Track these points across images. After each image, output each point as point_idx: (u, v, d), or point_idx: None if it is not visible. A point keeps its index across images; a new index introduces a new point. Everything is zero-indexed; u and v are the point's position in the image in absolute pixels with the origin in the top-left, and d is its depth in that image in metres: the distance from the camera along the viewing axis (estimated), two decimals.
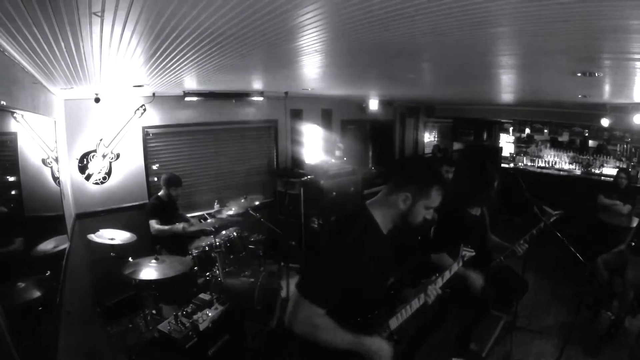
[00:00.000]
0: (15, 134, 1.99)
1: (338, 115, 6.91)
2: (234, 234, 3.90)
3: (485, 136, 8.90)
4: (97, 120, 4.09)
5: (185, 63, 2.26)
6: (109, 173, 4.26)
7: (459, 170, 3.75)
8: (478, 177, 2.63)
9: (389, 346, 1.48)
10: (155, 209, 3.88)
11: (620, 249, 3.72)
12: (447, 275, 1.71)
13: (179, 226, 3.82)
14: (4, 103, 1.58)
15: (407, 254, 2.65)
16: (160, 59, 2.10)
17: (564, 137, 7.44)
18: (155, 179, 4.49)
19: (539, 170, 7.38)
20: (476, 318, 3.02)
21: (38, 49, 1.67)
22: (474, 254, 1.80)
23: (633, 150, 6.52)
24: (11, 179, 1.96)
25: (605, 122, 5.37)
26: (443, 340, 3.16)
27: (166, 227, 3.79)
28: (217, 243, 3.54)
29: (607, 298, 3.73)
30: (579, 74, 2.44)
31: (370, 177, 6.36)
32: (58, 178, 2.95)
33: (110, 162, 4.26)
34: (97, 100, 3.76)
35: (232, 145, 5.41)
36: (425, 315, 2.84)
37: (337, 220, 1.69)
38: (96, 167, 4.16)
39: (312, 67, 2.70)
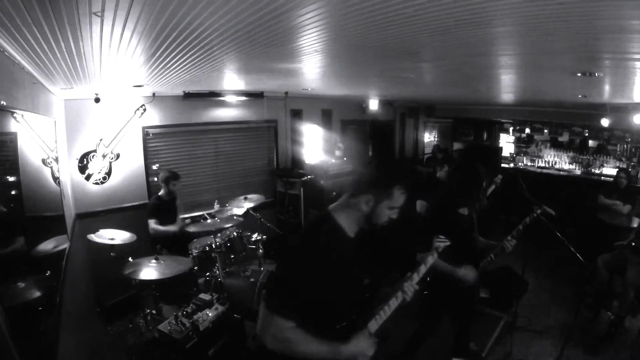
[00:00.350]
0: (15, 134, 1.99)
1: (338, 115, 6.91)
2: (234, 234, 3.90)
3: (485, 136, 8.90)
4: (97, 120, 4.09)
5: (185, 63, 2.26)
6: (109, 173, 4.26)
7: (452, 171, 3.74)
8: (467, 177, 2.62)
9: (369, 343, 1.45)
10: (155, 208, 3.89)
11: (621, 243, 3.71)
12: (422, 269, 1.66)
13: (172, 228, 3.86)
14: (4, 103, 1.58)
15: (395, 255, 2.61)
16: (160, 59, 2.11)
17: (564, 137, 7.45)
18: (155, 179, 4.49)
19: (539, 170, 7.38)
20: (466, 316, 3.01)
21: (38, 49, 1.68)
22: (448, 243, 1.74)
23: (633, 150, 6.52)
24: (11, 179, 1.96)
25: (605, 122, 5.37)
26: (442, 341, 3.15)
27: (161, 228, 3.81)
28: (217, 243, 3.54)
29: (607, 298, 3.73)
30: (579, 74, 2.44)
31: None
32: (58, 178, 2.95)
33: (110, 162, 4.26)
34: (97, 100, 3.76)
35: (232, 145, 5.41)
36: (419, 318, 2.85)
37: (301, 230, 1.68)
38: (96, 167, 4.16)
39: (312, 67, 2.70)
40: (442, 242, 1.74)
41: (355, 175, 1.58)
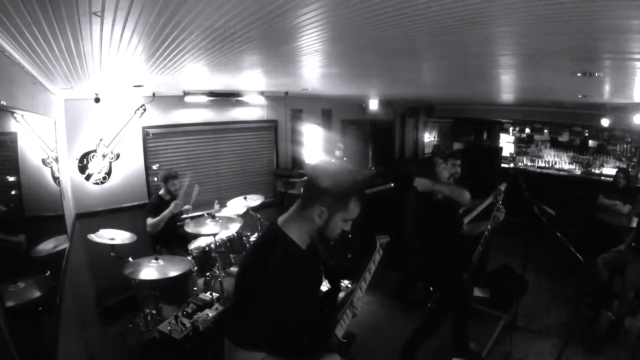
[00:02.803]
0: (15, 134, 1.99)
1: (338, 115, 6.92)
2: (234, 234, 3.89)
3: (485, 136, 8.90)
4: (97, 120, 4.09)
5: (185, 63, 2.26)
6: (109, 173, 4.26)
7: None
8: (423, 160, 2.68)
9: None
10: (154, 207, 3.87)
11: (619, 248, 3.72)
12: (364, 285, 1.60)
13: (167, 211, 3.76)
14: (4, 103, 1.58)
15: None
16: (160, 59, 2.11)
17: (564, 137, 7.44)
18: (155, 179, 4.49)
19: (539, 170, 7.38)
20: (463, 315, 3.01)
21: (38, 49, 1.68)
22: (389, 239, 1.71)
23: (633, 150, 6.52)
24: (11, 179, 1.96)
25: (605, 122, 5.38)
26: (442, 341, 3.15)
27: (156, 218, 3.72)
28: (217, 243, 3.54)
29: (607, 298, 3.73)
30: (579, 74, 2.44)
31: (370, 177, 6.36)
32: (58, 178, 2.95)
33: (110, 162, 4.26)
34: (97, 100, 3.76)
35: (232, 145, 5.41)
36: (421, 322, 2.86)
37: (251, 253, 1.52)
38: (96, 167, 4.16)
39: (312, 67, 2.71)
40: (384, 239, 1.69)
41: (307, 182, 1.40)
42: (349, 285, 1.72)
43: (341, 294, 1.65)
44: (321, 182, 1.33)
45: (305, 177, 1.44)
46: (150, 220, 3.76)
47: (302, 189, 1.41)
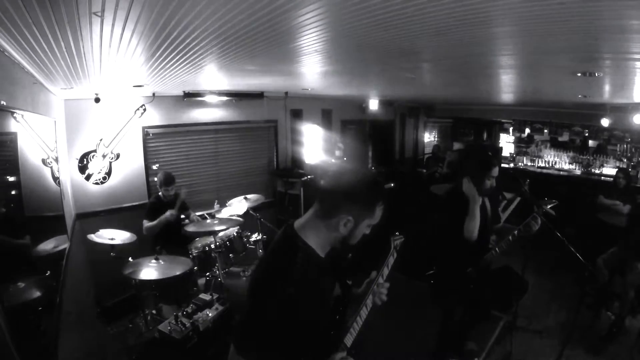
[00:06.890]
0: (15, 134, 1.99)
1: (338, 115, 6.92)
2: (234, 234, 3.90)
3: (485, 136, 8.90)
4: (97, 120, 4.09)
5: (185, 63, 2.26)
6: (109, 173, 4.26)
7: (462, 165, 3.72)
8: (474, 168, 2.64)
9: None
10: (152, 208, 3.84)
11: (612, 250, 3.73)
12: (386, 270, 1.58)
13: (166, 214, 3.70)
14: (4, 103, 1.58)
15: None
16: (160, 59, 2.10)
17: (564, 137, 7.43)
18: (155, 179, 4.49)
19: (539, 170, 7.38)
20: (463, 313, 2.99)
21: (38, 49, 1.67)
22: (403, 239, 1.69)
23: (633, 150, 6.52)
24: (11, 179, 1.96)
25: (605, 122, 5.37)
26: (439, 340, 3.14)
27: (153, 223, 3.69)
28: (217, 243, 3.54)
29: (607, 298, 3.73)
30: (579, 74, 2.44)
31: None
32: (58, 178, 2.95)
33: (110, 162, 4.25)
34: (97, 100, 3.76)
35: (232, 145, 5.41)
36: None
37: (268, 261, 1.43)
38: (96, 167, 4.16)
39: (312, 67, 2.71)
40: (398, 239, 1.67)
41: (328, 191, 1.33)
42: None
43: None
44: (345, 192, 1.28)
45: (322, 185, 1.37)
46: (146, 224, 3.74)
47: (320, 198, 1.35)
